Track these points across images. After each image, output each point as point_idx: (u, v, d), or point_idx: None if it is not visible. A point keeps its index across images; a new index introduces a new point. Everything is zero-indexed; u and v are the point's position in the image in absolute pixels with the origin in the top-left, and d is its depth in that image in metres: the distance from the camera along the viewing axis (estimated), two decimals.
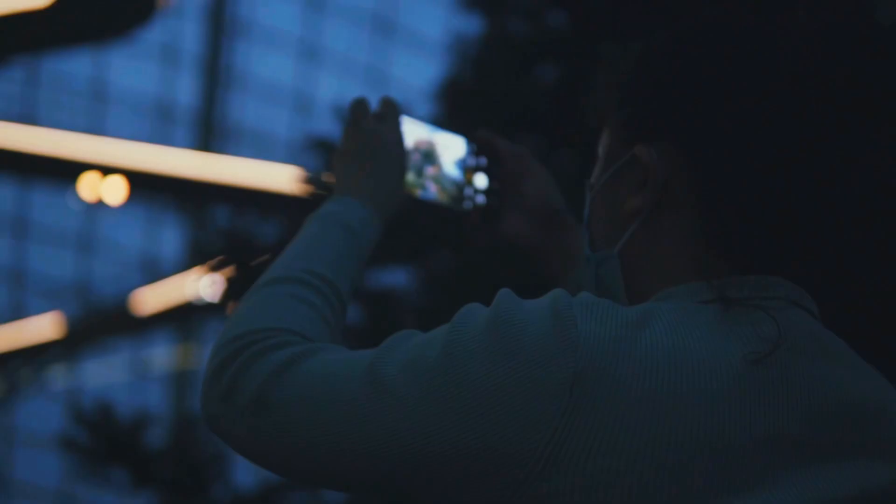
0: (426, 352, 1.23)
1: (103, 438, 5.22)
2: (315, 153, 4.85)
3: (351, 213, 1.62)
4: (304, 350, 1.31)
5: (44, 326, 17.48)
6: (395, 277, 5.05)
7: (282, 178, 12.20)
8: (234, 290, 5.18)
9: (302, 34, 18.07)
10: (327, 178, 4.96)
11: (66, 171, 15.62)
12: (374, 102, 1.87)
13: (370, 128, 1.76)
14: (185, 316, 16.27)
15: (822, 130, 1.25)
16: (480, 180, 1.83)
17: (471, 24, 5.37)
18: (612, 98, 1.38)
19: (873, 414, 1.24)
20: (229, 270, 5.18)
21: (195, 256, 5.26)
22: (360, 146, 1.74)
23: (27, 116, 17.50)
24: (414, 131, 1.78)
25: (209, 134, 18.35)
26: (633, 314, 1.18)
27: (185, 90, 18.37)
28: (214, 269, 5.21)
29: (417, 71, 13.73)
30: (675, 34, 1.34)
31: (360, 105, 1.78)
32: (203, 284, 5.57)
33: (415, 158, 1.77)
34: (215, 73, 18.12)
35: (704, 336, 1.17)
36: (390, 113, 1.78)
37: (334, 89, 17.79)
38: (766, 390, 1.17)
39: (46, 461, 12.48)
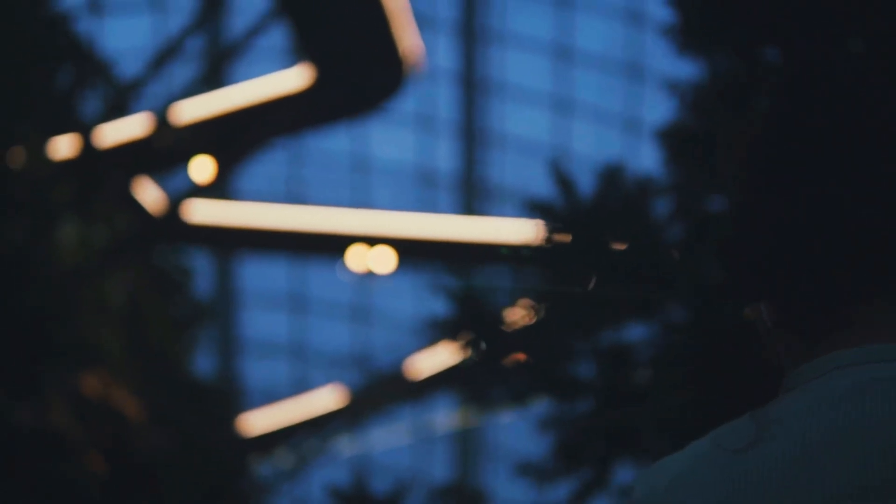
0: None
1: None
2: (536, 214, 4.82)
3: None
4: None
5: (327, 397, 17.95)
6: (629, 332, 4.97)
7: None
8: (488, 354, 5.19)
9: (553, 88, 18.13)
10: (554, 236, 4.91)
11: (335, 244, 16.06)
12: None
13: None
14: (461, 378, 16.44)
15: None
16: None
17: (691, 67, 5.27)
18: None
19: None
20: (477, 337, 5.21)
21: (447, 324, 5.31)
22: None
23: (293, 195, 18.11)
24: None
25: (472, 196, 18.58)
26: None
27: (444, 154, 18.67)
28: (465, 336, 5.25)
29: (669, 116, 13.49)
30: None
31: None
32: (464, 347, 5.61)
33: None
34: (472, 134, 18.35)
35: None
36: None
37: (590, 139, 17.78)
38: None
39: None
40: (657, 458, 4.81)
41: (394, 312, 19.13)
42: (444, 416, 19.34)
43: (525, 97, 18.28)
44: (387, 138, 18.66)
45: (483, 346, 5.27)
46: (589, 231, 4.68)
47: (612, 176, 4.81)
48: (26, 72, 13.07)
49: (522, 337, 5.26)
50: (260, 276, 19.16)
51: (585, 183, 4.92)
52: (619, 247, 4.82)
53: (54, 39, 14.25)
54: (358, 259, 16.04)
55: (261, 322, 19.40)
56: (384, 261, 16.04)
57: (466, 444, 19.37)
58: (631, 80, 17.55)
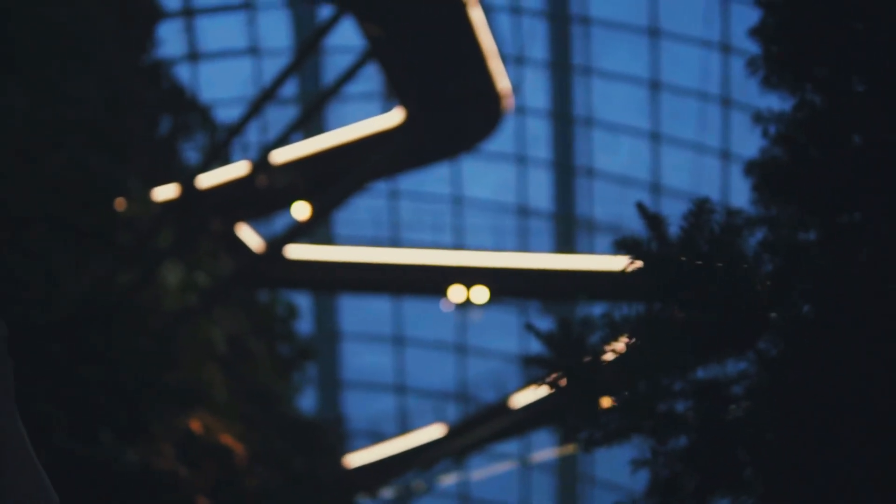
0: None
1: None
2: (626, 251, 4.88)
3: None
4: None
5: (429, 432, 18.05)
6: (724, 367, 5.00)
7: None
8: (583, 391, 5.24)
9: (648, 123, 18.13)
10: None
11: (435, 283, 16.18)
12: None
13: None
14: (558, 415, 16.44)
15: None
16: None
17: (780, 101, 5.31)
18: None
19: None
20: (573, 374, 5.26)
21: (542, 361, 5.36)
22: None
23: (392, 235, 18.30)
24: None
25: (569, 231, 18.61)
26: None
27: (540, 191, 18.73)
28: (560, 373, 5.31)
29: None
30: None
31: None
32: (560, 384, 5.67)
33: None
34: (568, 169, 18.39)
35: None
36: None
37: (686, 171, 17.74)
38: None
39: None
40: (754, 493, 4.81)
41: (494, 348, 19.20)
42: (545, 448, 19.35)
43: (620, 132, 18.30)
44: (483, 176, 18.78)
45: (578, 382, 5.33)
46: (679, 266, 4.73)
47: (701, 210, 4.84)
48: (128, 120, 13.38)
49: (618, 373, 5.30)
50: (361, 314, 19.36)
51: (679, 216, 4.95)
52: (711, 281, 4.86)
53: (154, 88, 14.57)
54: (458, 296, 16.15)
55: (363, 359, 19.59)
56: (483, 297, 16.13)
57: (566, 476, 19.33)
58: (725, 113, 17.49)
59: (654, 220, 4.64)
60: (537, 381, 5.62)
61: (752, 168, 5.25)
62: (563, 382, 5.14)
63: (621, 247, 4.85)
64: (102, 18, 13.19)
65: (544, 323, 16.69)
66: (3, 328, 1.64)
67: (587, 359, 5.24)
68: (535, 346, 5.77)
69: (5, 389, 1.61)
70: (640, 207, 4.88)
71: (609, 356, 5.24)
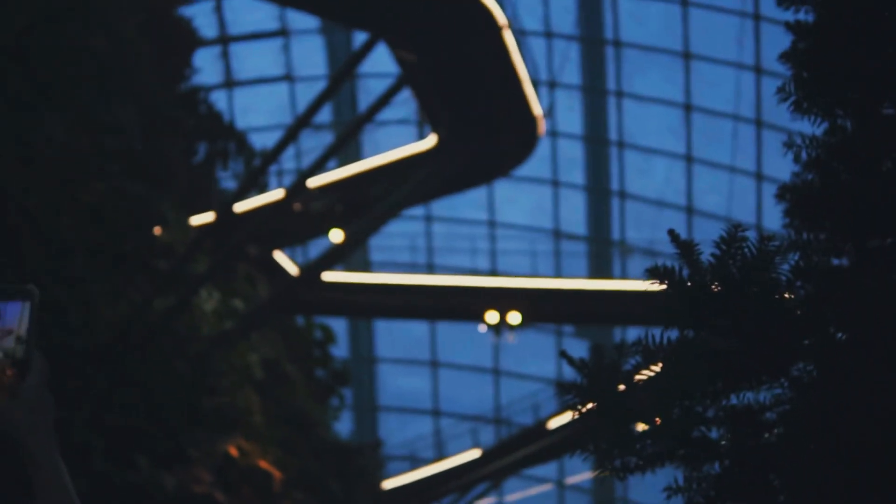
0: None
1: None
2: (656, 278, 4.90)
3: None
4: None
5: (465, 455, 18.07)
6: (757, 393, 5.02)
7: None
8: (614, 417, 5.27)
9: (682, 145, 18.13)
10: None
11: (470, 307, 16.22)
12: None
13: None
14: (590, 442, 16.38)
15: None
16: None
17: (812, 124, 5.33)
18: None
19: None
20: (604, 400, 5.28)
21: (574, 387, 5.36)
22: None
23: (428, 262, 18.37)
24: None
25: (603, 254, 18.61)
26: None
27: (574, 213, 18.74)
28: (591, 400, 5.32)
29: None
30: None
31: None
32: (592, 410, 5.69)
33: None
34: (602, 192, 18.41)
35: None
36: None
37: (720, 193, 17.73)
38: None
39: None
40: None
41: (530, 371, 19.21)
42: (580, 471, 19.31)
43: (653, 155, 18.30)
44: (517, 200, 18.82)
45: (611, 409, 5.33)
46: (711, 294, 4.75)
47: (733, 237, 4.87)
48: (166, 148, 13.49)
49: (651, 400, 5.30)
50: (397, 339, 19.42)
51: (712, 240, 4.98)
52: (743, 308, 4.87)
53: (191, 115, 14.69)
54: (494, 321, 16.18)
55: (399, 383, 19.64)
56: (518, 321, 16.15)
57: (601, 498, 19.29)
58: (758, 135, 17.48)
59: (685, 247, 4.66)
60: (571, 407, 5.62)
61: (784, 193, 5.26)
62: (598, 406, 5.15)
63: (653, 275, 4.87)
64: (140, 47, 13.32)
65: (579, 346, 16.72)
66: (44, 363, 1.65)
67: (620, 386, 5.26)
68: (570, 371, 5.77)
69: (45, 425, 1.63)
70: (672, 234, 4.91)
71: (642, 383, 5.25)
